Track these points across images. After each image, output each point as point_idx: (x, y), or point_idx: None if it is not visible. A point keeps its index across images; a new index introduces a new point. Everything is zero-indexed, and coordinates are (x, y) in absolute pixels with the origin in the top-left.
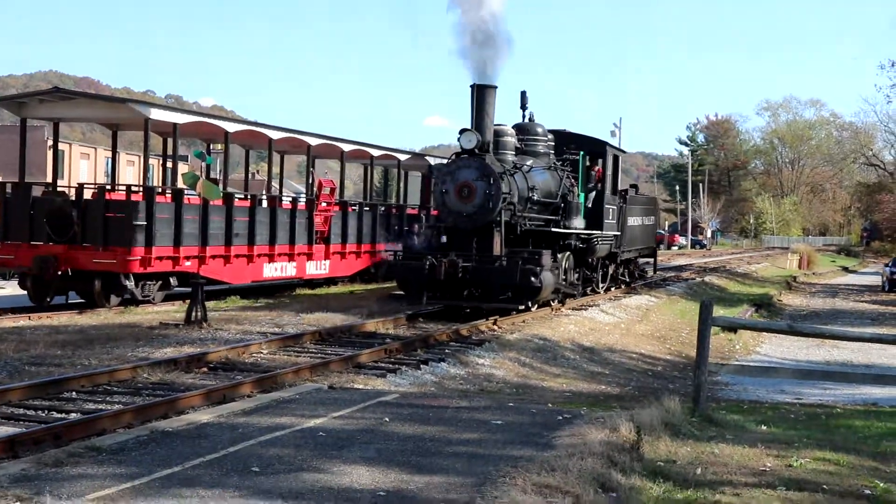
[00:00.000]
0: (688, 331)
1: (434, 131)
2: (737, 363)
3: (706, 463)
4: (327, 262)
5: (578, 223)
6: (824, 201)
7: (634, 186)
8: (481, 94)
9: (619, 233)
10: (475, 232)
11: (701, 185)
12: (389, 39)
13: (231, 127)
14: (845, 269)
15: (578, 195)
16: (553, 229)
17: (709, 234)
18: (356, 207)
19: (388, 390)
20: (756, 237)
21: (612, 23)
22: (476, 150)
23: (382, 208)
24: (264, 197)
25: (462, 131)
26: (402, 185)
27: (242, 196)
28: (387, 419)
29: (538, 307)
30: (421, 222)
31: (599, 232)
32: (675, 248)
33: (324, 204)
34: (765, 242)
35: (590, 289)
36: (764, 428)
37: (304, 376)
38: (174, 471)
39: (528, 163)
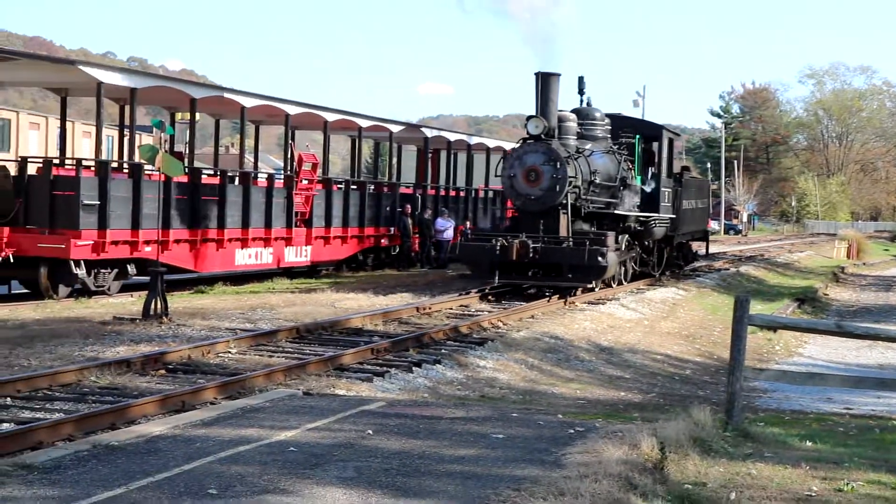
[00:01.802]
0: (720, 329)
1: (431, 99)
2: (777, 367)
3: (741, 486)
4: (309, 248)
5: (637, 206)
6: (876, 181)
7: (686, 168)
8: (546, 82)
9: (674, 216)
10: (541, 214)
11: (736, 162)
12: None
13: (198, 93)
14: None
15: (635, 178)
16: (614, 211)
17: (744, 219)
18: (342, 186)
19: (374, 397)
20: (798, 222)
21: None
22: (542, 136)
23: (372, 187)
24: (236, 173)
25: (529, 118)
26: (395, 160)
27: (211, 172)
28: (370, 431)
29: (601, 287)
30: (416, 202)
31: (657, 215)
32: None
33: (305, 181)
34: (808, 228)
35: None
36: (809, 444)
37: (277, 380)
38: (116, 493)
39: (588, 147)
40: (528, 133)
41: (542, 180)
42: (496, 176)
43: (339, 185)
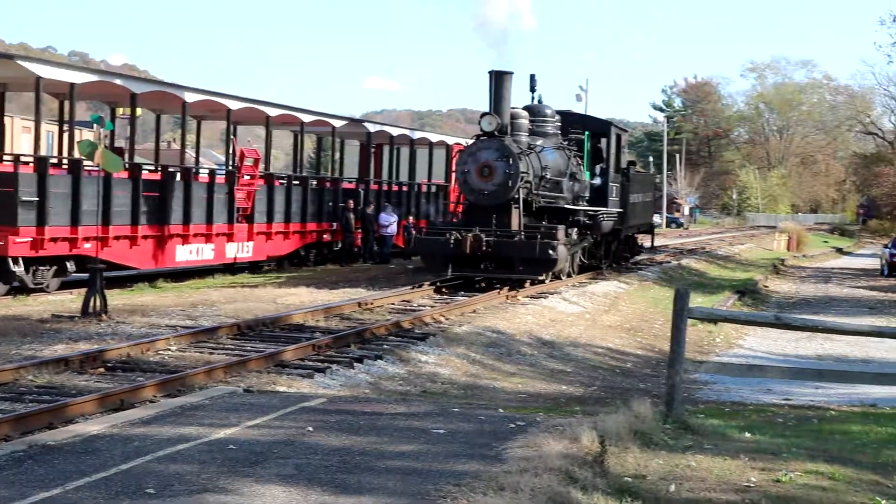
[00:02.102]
0: (661, 322)
1: (377, 94)
2: (717, 360)
3: (681, 478)
4: (251, 243)
5: (586, 201)
6: (816, 174)
7: (633, 163)
8: (499, 81)
9: (621, 210)
10: (494, 208)
11: (678, 155)
12: None
13: (139, 88)
14: (839, 251)
15: (584, 173)
16: (564, 206)
17: (686, 212)
18: (284, 181)
19: (315, 394)
20: (739, 215)
21: None
22: (495, 133)
23: (315, 182)
24: (178, 169)
25: (483, 115)
26: (337, 155)
27: (153, 168)
28: (310, 428)
29: (551, 279)
30: (359, 197)
31: (605, 209)
32: None
33: (247, 177)
34: (749, 221)
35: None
36: (748, 435)
37: (218, 377)
38: (52, 494)
39: (539, 143)
40: (481, 130)
41: (495, 176)
42: (452, 171)
43: (281, 181)
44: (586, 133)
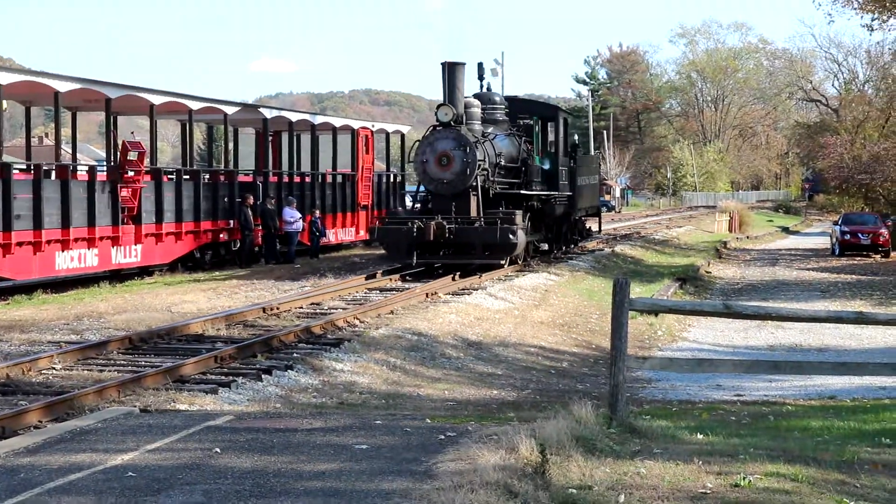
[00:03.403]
0: (597, 315)
1: (268, 77)
2: (662, 355)
3: (630, 487)
4: (139, 247)
5: (538, 186)
6: (756, 147)
7: (577, 146)
8: (453, 71)
9: (571, 193)
10: (453, 197)
11: (605, 132)
12: None
13: (4, 78)
14: (785, 230)
15: (535, 159)
16: (520, 192)
17: (617, 194)
18: (173, 176)
19: (220, 411)
20: (675, 195)
21: None
22: (452, 123)
23: (207, 176)
24: (53, 166)
25: (438, 106)
26: (231, 145)
27: (24, 166)
28: (217, 450)
29: (509, 264)
30: (257, 191)
31: (557, 193)
32: None
33: (131, 173)
34: (686, 201)
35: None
36: (700, 436)
37: (110, 397)
38: None
39: (490, 130)
40: (437, 121)
41: (454, 164)
42: (396, 163)
43: (169, 176)
44: (535, 118)
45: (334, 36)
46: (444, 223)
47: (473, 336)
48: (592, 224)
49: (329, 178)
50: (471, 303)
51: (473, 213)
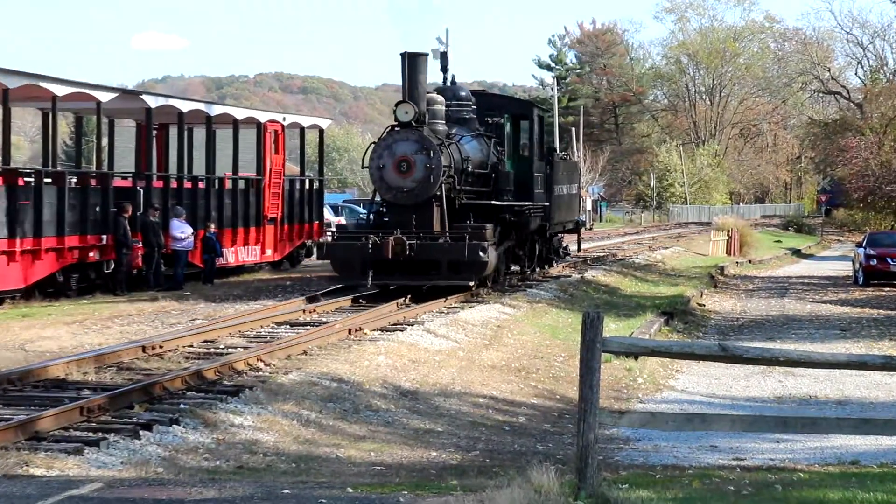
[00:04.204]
0: (563, 358)
1: (152, 56)
2: (643, 408)
3: None
4: None
5: (510, 195)
6: (761, 150)
7: (553, 149)
8: (413, 63)
9: (547, 203)
10: (414, 207)
11: (573, 130)
12: None
13: None
14: (797, 254)
15: (506, 163)
16: (490, 202)
17: (588, 206)
18: (31, 179)
19: (87, 476)
20: (660, 208)
21: None
22: (413, 123)
23: (74, 179)
24: None
25: (398, 104)
26: (105, 141)
27: None
28: None
29: (478, 286)
30: (137, 200)
31: (531, 203)
32: None
33: None
34: (674, 216)
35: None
36: None
37: None
38: None
39: (454, 131)
40: (396, 120)
41: (415, 171)
42: (312, 165)
43: (27, 179)
44: (505, 116)
45: (236, 5)
46: (404, 238)
47: (408, 383)
48: (571, 242)
49: (228, 184)
50: (404, 341)
51: (437, 226)
